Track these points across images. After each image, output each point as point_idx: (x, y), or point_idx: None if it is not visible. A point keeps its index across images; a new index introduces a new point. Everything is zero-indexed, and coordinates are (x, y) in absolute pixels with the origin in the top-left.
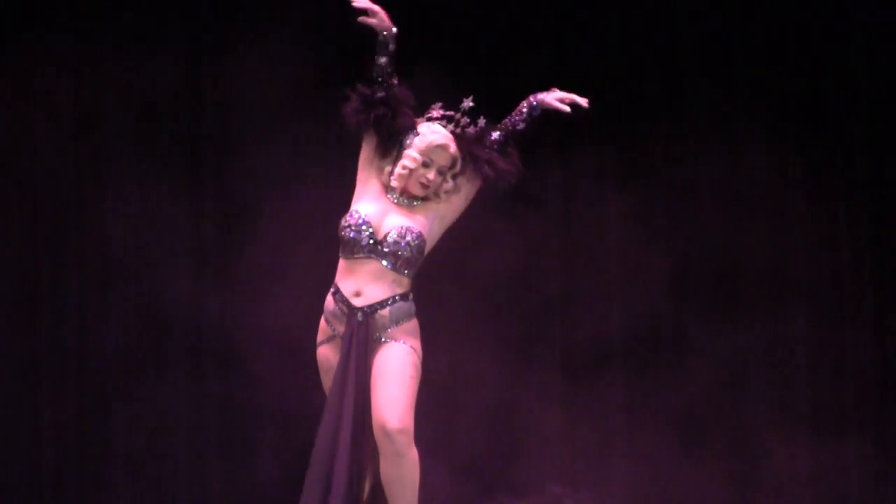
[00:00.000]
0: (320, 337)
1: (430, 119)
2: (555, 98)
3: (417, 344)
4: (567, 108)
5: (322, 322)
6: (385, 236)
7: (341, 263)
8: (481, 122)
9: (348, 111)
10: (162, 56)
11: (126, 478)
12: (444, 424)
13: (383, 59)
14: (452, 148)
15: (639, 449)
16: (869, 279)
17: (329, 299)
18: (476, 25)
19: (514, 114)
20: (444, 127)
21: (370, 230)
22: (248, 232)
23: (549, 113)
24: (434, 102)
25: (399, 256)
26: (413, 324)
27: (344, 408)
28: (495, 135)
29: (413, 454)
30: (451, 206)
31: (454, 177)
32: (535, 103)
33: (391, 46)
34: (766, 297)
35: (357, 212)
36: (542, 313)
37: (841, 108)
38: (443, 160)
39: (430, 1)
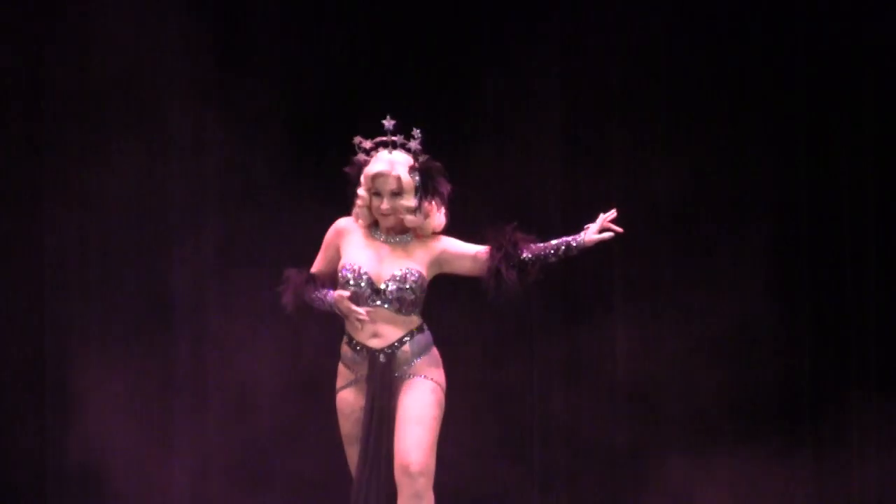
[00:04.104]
0: (340, 382)
1: (369, 150)
2: (594, 234)
3: (441, 374)
4: (608, 235)
5: (341, 368)
6: (386, 284)
7: None
8: (416, 133)
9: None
10: None
11: None
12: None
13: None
14: (394, 170)
15: None
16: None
17: (344, 347)
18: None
19: (549, 246)
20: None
21: (368, 280)
22: None
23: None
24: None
25: (403, 301)
26: (433, 354)
27: (374, 448)
28: (526, 254)
29: (431, 497)
30: (448, 254)
31: (418, 194)
32: (574, 245)
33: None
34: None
35: (350, 264)
36: None
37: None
38: (388, 186)
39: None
